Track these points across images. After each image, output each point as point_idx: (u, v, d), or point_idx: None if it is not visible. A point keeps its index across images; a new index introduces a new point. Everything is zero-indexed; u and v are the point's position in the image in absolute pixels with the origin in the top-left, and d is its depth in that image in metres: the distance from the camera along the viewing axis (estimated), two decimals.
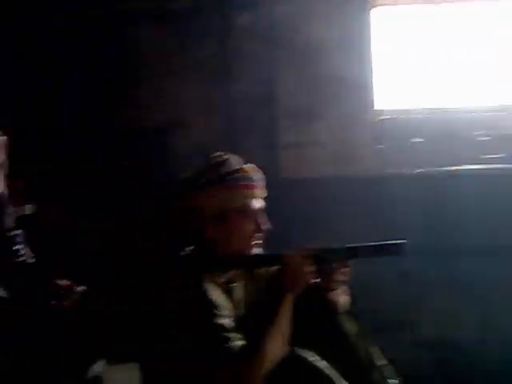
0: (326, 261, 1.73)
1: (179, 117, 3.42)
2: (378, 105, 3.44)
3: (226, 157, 1.85)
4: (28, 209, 2.96)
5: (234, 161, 1.85)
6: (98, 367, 2.51)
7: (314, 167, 3.25)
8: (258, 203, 1.81)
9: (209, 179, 1.78)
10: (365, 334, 1.91)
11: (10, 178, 2.17)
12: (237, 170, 1.80)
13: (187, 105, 3.42)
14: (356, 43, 3.33)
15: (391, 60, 3.51)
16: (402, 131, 3.37)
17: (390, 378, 1.88)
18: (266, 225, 1.80)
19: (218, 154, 1.87)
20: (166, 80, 3.43)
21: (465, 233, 2.87)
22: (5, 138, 1.91)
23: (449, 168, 3.11)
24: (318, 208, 3.07)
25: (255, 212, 1.79)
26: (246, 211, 1.78)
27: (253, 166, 1.86)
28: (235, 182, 1.77)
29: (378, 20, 3.45)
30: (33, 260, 2.11)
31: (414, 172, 3.11)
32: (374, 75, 3.39)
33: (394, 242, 1.73)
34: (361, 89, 3.35)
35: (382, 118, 3.42)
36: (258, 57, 3.32)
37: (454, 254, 2.89)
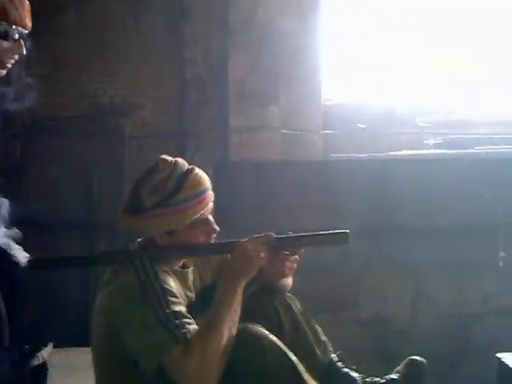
0: (278, 248, 1.81)
1: (130, 99, 3.42)
2: (327, 91, 3.53)
3: (171, 169, 1.74)
4: None
5: (181, 172, 1.75)
6: (45, 352, 2.35)
7: (264, 151, 3.31)
8: (208, 211, 1.81)
9: (156, 202, 1.71)
10: (309, 313, 2.00)
11: None
12: (184, 189, 1.72)
13: (139, 87, 3.42)
14: (309, 29, 3.39)
15: (340, 48, 3.60)
16: (348, 117, 3.47)
17: (332, 353, 1.98)
18: (216, 230, 1.82)
19: (165, 162, 1.76)
20: (119, 61, 3.43)
21: (404, 214, 3.03)
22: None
23: (390, 153, 3.25)
24: (266, 192, 3.13)
25: (206, 221, 1.80)
26: (197, 224, 1.78)
27: (200, 173, 1.78)
28: (183, 204, 1.72)
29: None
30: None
31: (359, 157, 3.22)
32: (324, 62, 3.47)
33: (339, 231, 1.82)
34: (311, 74, 3.41)
35: (329, 103, 3.52)
36: (211, 40, 3.35)
37: (394, 234, 3.04)
